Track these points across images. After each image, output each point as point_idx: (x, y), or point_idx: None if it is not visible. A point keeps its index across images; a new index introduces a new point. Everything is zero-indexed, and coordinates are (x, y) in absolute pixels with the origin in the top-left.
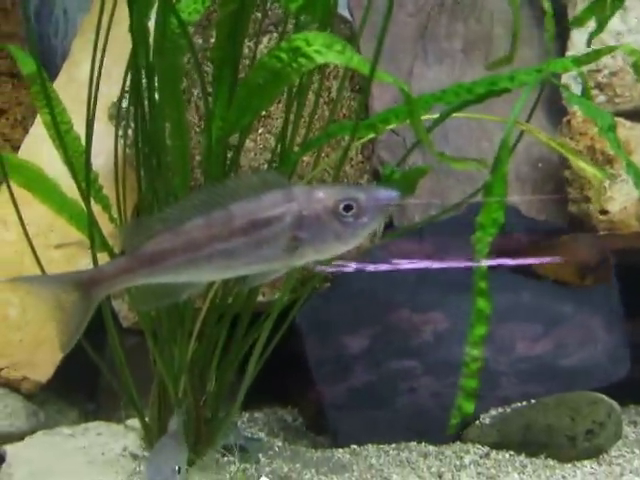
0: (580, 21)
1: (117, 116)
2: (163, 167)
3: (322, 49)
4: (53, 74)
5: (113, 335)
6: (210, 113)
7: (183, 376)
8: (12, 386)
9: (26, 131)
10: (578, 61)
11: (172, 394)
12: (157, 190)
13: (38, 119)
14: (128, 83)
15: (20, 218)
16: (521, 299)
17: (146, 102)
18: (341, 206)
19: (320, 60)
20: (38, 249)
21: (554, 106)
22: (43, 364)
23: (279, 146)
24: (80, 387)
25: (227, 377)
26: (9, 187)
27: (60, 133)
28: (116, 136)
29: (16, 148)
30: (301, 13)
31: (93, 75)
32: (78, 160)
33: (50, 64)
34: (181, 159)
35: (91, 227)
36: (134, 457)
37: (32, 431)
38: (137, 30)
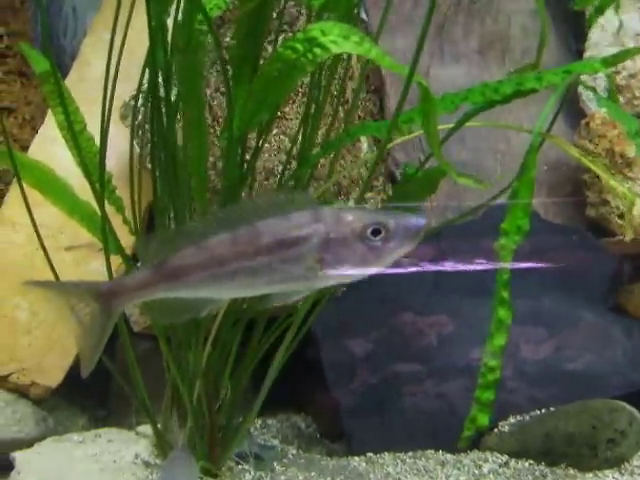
0: (585, 1)
1: (133, 116)
2: (179, 168)
3: (338, 39)
4: (62, 73)
5: (126, 340)
6: (230, 113)
7: (197, 382)
8: (21, 391)
9: (35, 131)
10: (606, 62)
11: (186, 400)
12: (172, 192)
13: (47, 119)
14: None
15: (32, 220)
16: (541, 304)
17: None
18: (369, 230)
19: (336, 50)
20: (48, 251)
21: (572, 108)
22: (53, 369)
23: (294, 147)
24: (90, 393)
25: (242, 383)
26: (22, 188)
27: (74, 133)
28: (132, 136)
29: (24, 148)
30: (324, 10)
31: (109, 74)
32: (92, 161)
33: (59, 63)
34: (198, 160)
35: (104, 229)
36: (146, 465)
37: (41, 437)
38: (156, 27)
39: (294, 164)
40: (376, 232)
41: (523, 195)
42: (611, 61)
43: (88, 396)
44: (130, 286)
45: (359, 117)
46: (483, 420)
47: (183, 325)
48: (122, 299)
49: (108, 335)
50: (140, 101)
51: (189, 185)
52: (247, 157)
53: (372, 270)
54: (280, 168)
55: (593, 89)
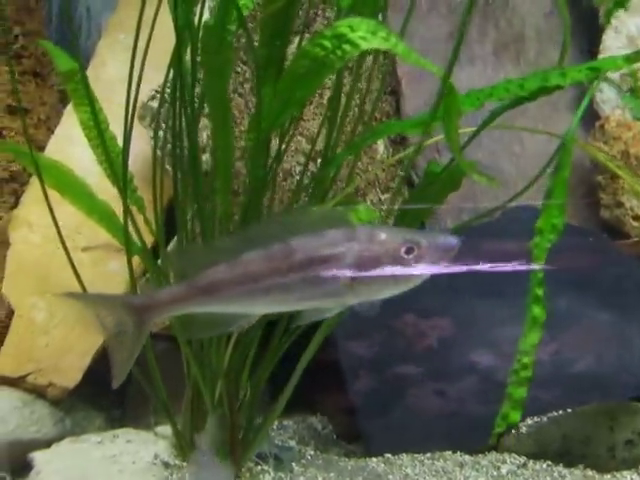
0: None
1: (156, 116)
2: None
3: (367, 35)
4: None
5: (146, 340)
6: (257, 114)
7: (219, 382)
8: (38, 392)
9: (50, 131)
10: (629, 59)
11: (208, 400)
12: (195, 193)
13: (64, 119)
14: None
15: (54, 220)
16: (558, 306)
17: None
18: (403, 249)
19: (365, 46)
20: (63, 252)
21: (587, 110)
22: (70, 369)
23: (313, 149)
24: (106, 393)
25: (261, 384)
26: (44, 189)
27: (101, 132)
28: (155, 137)
29: (40, 148)
30: (351, 10)
31: (132, 75)
32: (114, 160)
33: None
34: (224, 161)
35: (127, 229)
36: (166, 465)
37: (59, 438)
38: (182, 27)
39: (312, 166)
40: (409, 251)
41: (557, 194)
42: (634, 58)
43: (104, 396)
44: (163, 300)
45: (375, 118)
46: (515, 417)
47: None
48: (154, 313)
49: (140, 347)
50: (159, 102)
51: (211, 186)
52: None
53: (403, 289)
54: (298, 169)
55: (618, 86)
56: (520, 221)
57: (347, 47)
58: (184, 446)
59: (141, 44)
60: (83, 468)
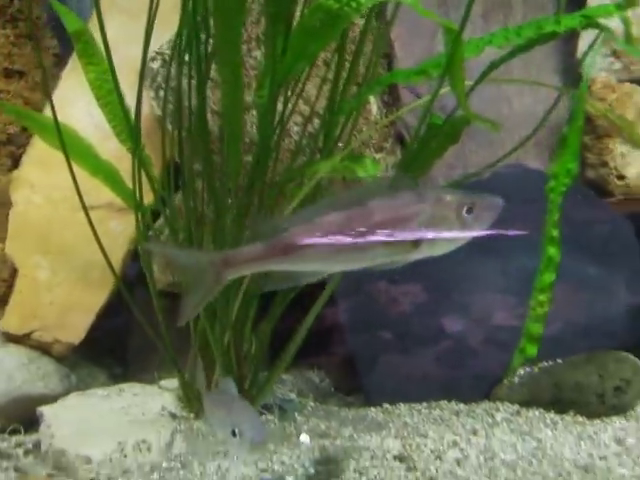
0: None
1: (156, 77)
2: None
3: None
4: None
5: (155, 296)
6: (267, 70)
7: (227, 332)
8: (43, 349)
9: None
10: (620, 6)
11: (216, 351)
12: (204, 151)
13: (62, 82)
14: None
15: (75, 181)
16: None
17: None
18: (464, 209)
19: None
20: (66, 212)
21: (570, 73)
22: (74, 326)
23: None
24: (107, 351)
25: (266, 336)
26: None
27: (110, 90)
28: (157, 97)
29: (37, 111)
30: None
31: (150, 33)
32: (122, 119)
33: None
34: (234, 117)
35: (138, 187)
36: (173, 416)
37: (65, 393)
38: None
39: (310, 127)
40: (469, 210)
41: (572, 141)
42: (625, 4)
43: (106, 354)
44: (243, 258)
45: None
46: (532, 351)
47: None
48: (233, 269)
49: (212, 297)
50: (160, 63)
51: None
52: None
53: (458, 244)
54: (295, 129)
55: (610, 32)
56: (510, 180)
57: None
58: (191, 398)
59: (137, 7)
60: (93, 420)
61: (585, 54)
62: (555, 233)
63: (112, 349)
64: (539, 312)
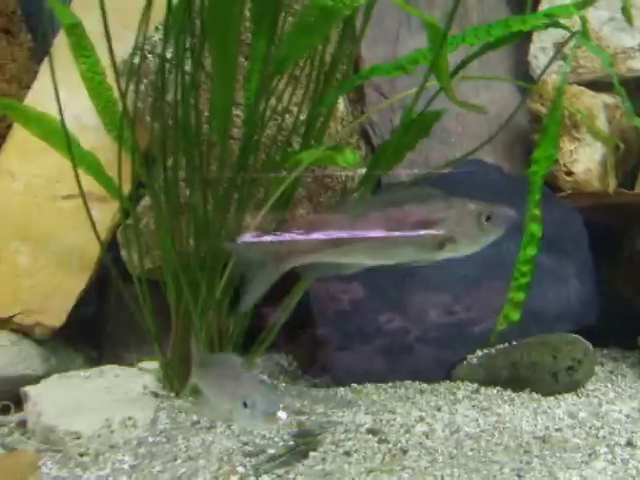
0: None
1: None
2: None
3: None
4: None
5: (140, 282)
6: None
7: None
8: (24, 332)
9: (21, 87)
10: (577, 5)
11: (198, 332)
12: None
13: (40, 75)
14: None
15: (75, 172)
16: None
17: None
18: (484, 216)
19: None
20: (46, 200)
21: (524, 74)
22: (56, 310)
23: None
24: (83, 335)
25: (245, 320)
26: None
27: (99, 82)
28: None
29: None
30: None
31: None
32: (111, 110)
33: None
34: (223, 107)
35: (121, 174)
36: (155, 395)
37: (46, 375)
38: None
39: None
40: (488, 218)
41: (552, 129)
42: (582, 3)
43: (81, 339)
44: (299, 252)
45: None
46: (514, 316)
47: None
48: (289, 261)
49: (267, 287)
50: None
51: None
52: None
53: (477, 248)
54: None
55: (570, 30)
56: (471, 174)
57: None
58: (171, 376)
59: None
60: (78, 398)
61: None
62: (537, 212)
63: (87, 334)
64: (522, 282)
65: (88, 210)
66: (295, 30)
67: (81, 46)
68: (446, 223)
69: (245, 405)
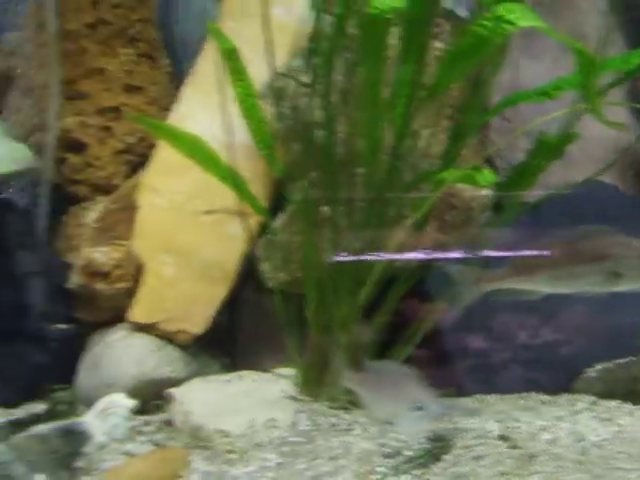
0: None
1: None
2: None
3: (521, 15)
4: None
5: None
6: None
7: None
8: (168, 338)
9: (161, 108)
10: None
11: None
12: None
13: (184, 98)
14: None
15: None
16: None
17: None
18: None
19: (522, 24)
20: (188, 216)
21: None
22: (197, 318)
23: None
24: (218, 343)
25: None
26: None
27: (254, 104)
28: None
29: None
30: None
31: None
32: (262, 130)
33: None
34: (374, 132)
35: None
36: (293, 399)
37: (188, 378)
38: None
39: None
40: None
41: None
42: None
43: (217, 346)
44: (498, 277)
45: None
46: None
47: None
48: (489, 284)
49: (470, 302)
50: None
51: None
52: None
53: None
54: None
55: None
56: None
57: (506, 26)
58: (310, 382)
59: (250, 32)
60: (221, 400)
61: None
62: None
63: (222, 341)
64: None
65: (239, 223)
66: (448, 57)
67: (237, 70)
68: (613, 259)
69: (418, 408)
